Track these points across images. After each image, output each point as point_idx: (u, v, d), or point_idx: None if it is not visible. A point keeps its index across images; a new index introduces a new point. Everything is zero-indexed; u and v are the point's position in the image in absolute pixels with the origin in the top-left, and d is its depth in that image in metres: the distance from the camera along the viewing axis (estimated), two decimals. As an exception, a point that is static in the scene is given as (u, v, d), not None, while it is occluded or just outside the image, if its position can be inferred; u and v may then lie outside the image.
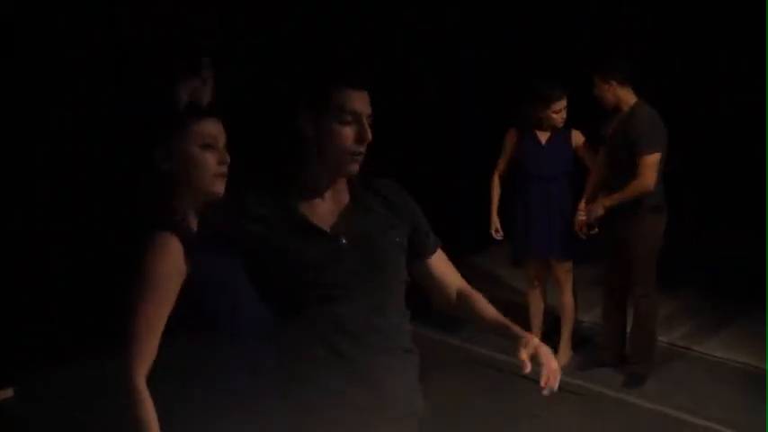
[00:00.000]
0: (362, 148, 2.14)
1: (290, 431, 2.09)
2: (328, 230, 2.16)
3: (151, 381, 1.94)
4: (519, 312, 5.57)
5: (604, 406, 4.58)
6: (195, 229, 2.08)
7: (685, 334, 5.50)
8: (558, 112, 4.82)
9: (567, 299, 5.08)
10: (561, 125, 4.86)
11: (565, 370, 4.97)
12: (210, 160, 2.06)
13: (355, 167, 2.16)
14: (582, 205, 4.79)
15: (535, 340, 2.14)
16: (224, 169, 2.08)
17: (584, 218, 4.70)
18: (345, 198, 2.23)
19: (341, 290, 2.12)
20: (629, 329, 4.91)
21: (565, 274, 5.02)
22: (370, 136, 2.13)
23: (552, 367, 2.10)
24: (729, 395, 4.65)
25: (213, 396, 1.99)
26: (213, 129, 2.08)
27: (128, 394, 1.89)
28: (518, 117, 4.97)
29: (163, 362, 1.96)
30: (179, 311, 1.96)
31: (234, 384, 2.01)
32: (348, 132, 2.12)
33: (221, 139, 2.10)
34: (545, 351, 2.12)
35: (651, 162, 4.48)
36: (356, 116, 2.12)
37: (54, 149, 5.12)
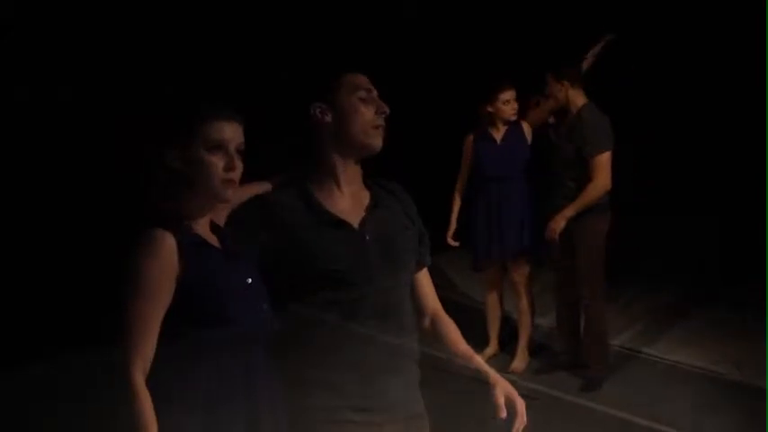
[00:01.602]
0: (382, 121, 2.17)
1: None
2: (355, 226, 2.14)
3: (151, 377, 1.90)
4: (476, 318, 5.60)
5: (560, 410, 4.58)
6: (199, 231, 2.01)
7: (633, 337, 5.55)
8: (508, 102, 4.83)
9: (524, 303, 5.08)
10: (514, 117, 4.87)
11: (522, 375, 5.00)
12: (217, 164, 1.97)
13: (379, 141, 2.17)
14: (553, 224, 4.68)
15: (506, 384, 2.19)
16: (231, 175, 1.98)
17: (551, 235, 4.61)
18: (364, 195, 2.21)
19: (361, 288, 2.10)
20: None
21: (522, 277, 5.03)
22: (387, 108, 2.16)
23: (524, 420, 2.18)
24: (682, 398, 4.67)
25: (208, 395, 1.94)
26: (223, 131, 1.98)
27: (126, 391, 1.85)
28: (474, 120, 4.97)
29: (161, 360, 1.92)
30: (170, 312, 1.91)
31: (229, 383, 1.97)
32: (368, 106, 2.15)
33: (233, 143, 1.99)
34: (520, 401, 2.18)
35: (603, 162, 4.51)
36: (370, 92, 2.17)
37: (69, 147, 5.21)
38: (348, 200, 2.18)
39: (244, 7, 5.93)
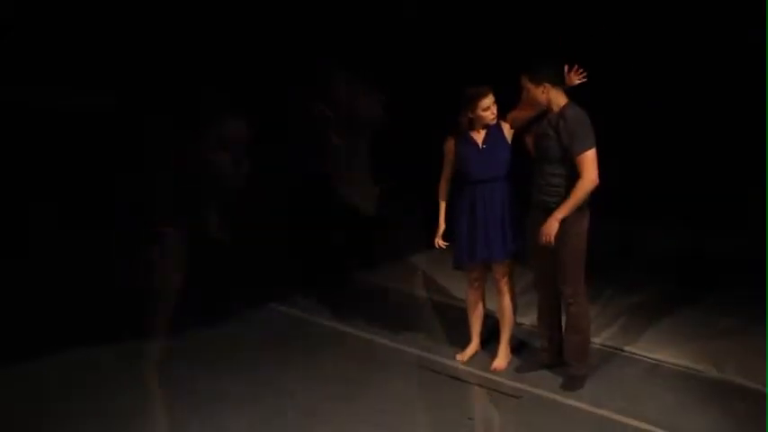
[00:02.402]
0: None
1: None
2: None
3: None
4: (457, 316, 5.59)
5: (542, 408, 4.59)
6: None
7: (614, 335, 5.56)
8: (487, 109, 4.84)
9: (507, 302, 5.07)
10: (494, 122, 4.88)
11: (503, 373, 5.00)
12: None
13: None
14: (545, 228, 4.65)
15: None
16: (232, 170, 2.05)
17: (547, 239, 4.59)
18: None
19: None
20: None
21: (505, 276, 5.02)
22: None
23: None
24: (663, 396, 4.70)
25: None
26: (230, 132, 2.04)
27: None
28: (452, 124, 4.97)
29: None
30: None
31: None
32: None
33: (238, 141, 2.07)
34: None
35: (590, 158, 4.53)
36: None
37: (68, 147, 5.33)
38: None
39: (243, 7, 5.94)
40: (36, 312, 5.30)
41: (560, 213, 4.57)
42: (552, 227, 4.58)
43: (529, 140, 4.87)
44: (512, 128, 4.92)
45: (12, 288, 5.23)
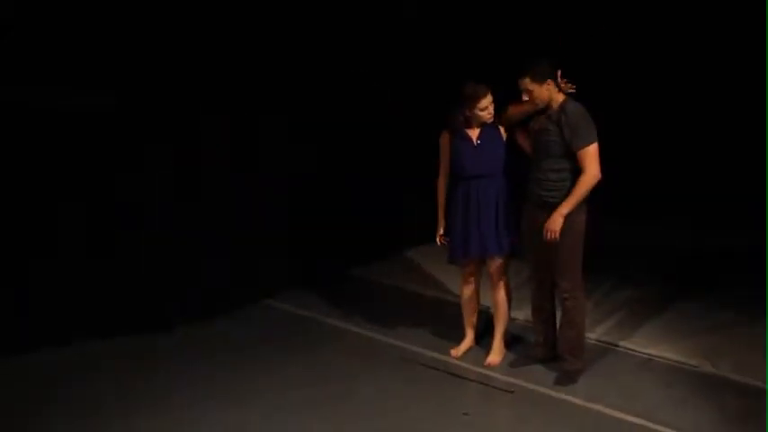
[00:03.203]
0: None
1: None
2: None
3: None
4: (452, 311, 5.61)
5: (535, 404, 4.60)
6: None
7: (609, 330, 5.57)
8: (485, 109, 4.88)
9: (501, 297, 5.10)
10: (490, 120, 4.92)
11: (497, 368, 5.02)
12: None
13: None
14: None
15: None
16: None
17: (552, 236, 4.62)
18: None
19: None
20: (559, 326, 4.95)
21: (499, 271, 5.05)
22: None
23: None
24: (656, 391, 4.72)
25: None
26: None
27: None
28: (447, 119, 5.01)
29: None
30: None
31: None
32: None
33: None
34: None
35: (592, 153, 4.56)
36: None
37: (69, 146, 5.38)
38: None
39: (242, 5, 5.99)
40: (34, 308, 5.34)
41: (564, 209, 4.59)
42: (557, 222, 4.60)
43: (522, 137, 4.90)
44: (506, 129, 4.95)
45: (10, 285, 5.27)
